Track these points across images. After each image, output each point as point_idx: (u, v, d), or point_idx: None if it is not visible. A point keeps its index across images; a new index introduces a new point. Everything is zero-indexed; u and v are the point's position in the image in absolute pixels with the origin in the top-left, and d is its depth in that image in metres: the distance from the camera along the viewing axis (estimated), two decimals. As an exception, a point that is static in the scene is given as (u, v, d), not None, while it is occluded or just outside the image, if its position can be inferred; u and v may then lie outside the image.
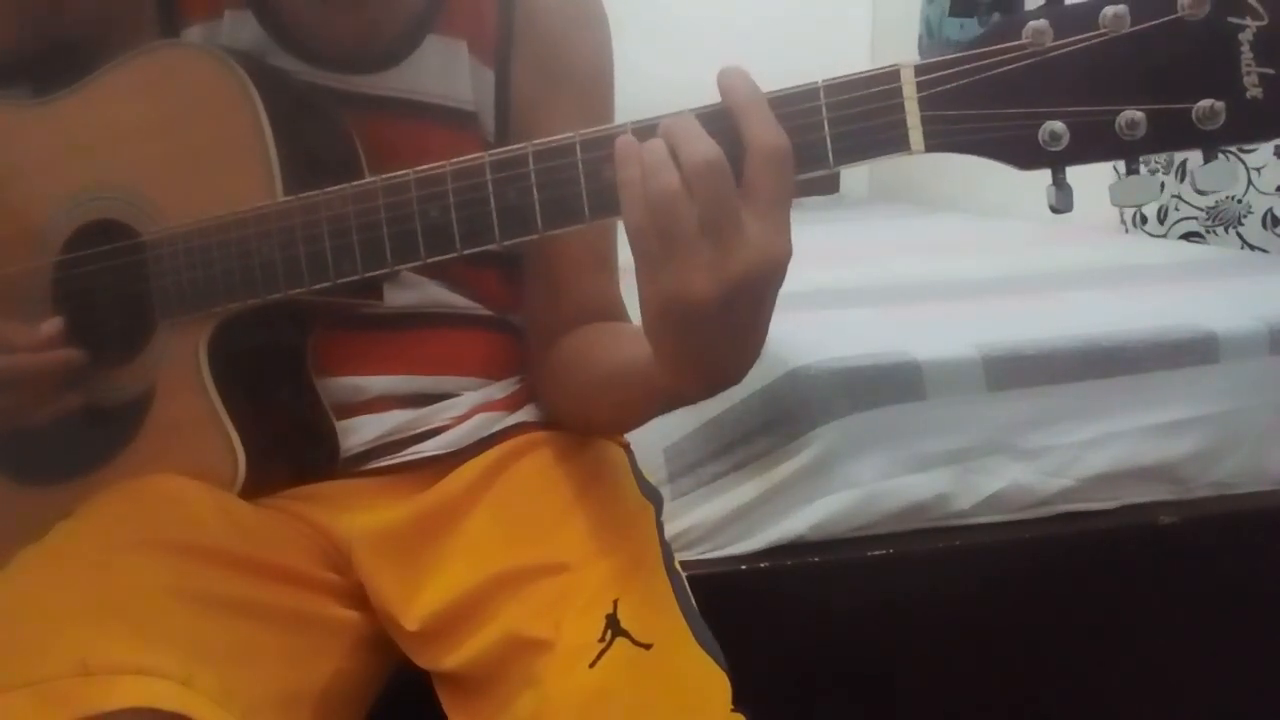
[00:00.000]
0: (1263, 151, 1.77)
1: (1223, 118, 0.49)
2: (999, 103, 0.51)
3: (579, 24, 0.80)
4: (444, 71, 0.76)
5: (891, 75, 0.53)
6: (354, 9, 0.74)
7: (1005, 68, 0.51)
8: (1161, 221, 2.00)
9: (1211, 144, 0.50)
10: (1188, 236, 1.94)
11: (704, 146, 0.51)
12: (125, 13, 0.75)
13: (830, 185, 3.08)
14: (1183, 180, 1.93)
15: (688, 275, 0.52)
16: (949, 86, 0.52)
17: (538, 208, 0.58)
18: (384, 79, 0.75)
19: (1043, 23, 0.50)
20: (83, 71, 0.74)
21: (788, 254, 0.53)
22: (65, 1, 0.75)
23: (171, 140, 0.71)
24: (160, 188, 0.71)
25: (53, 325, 0.71)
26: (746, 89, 0.53)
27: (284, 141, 0.67)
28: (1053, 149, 0.51)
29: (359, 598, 0.72)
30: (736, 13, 2.83)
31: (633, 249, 0.54)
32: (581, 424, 0.79)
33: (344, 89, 0.74)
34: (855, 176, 3.16)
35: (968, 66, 0.52)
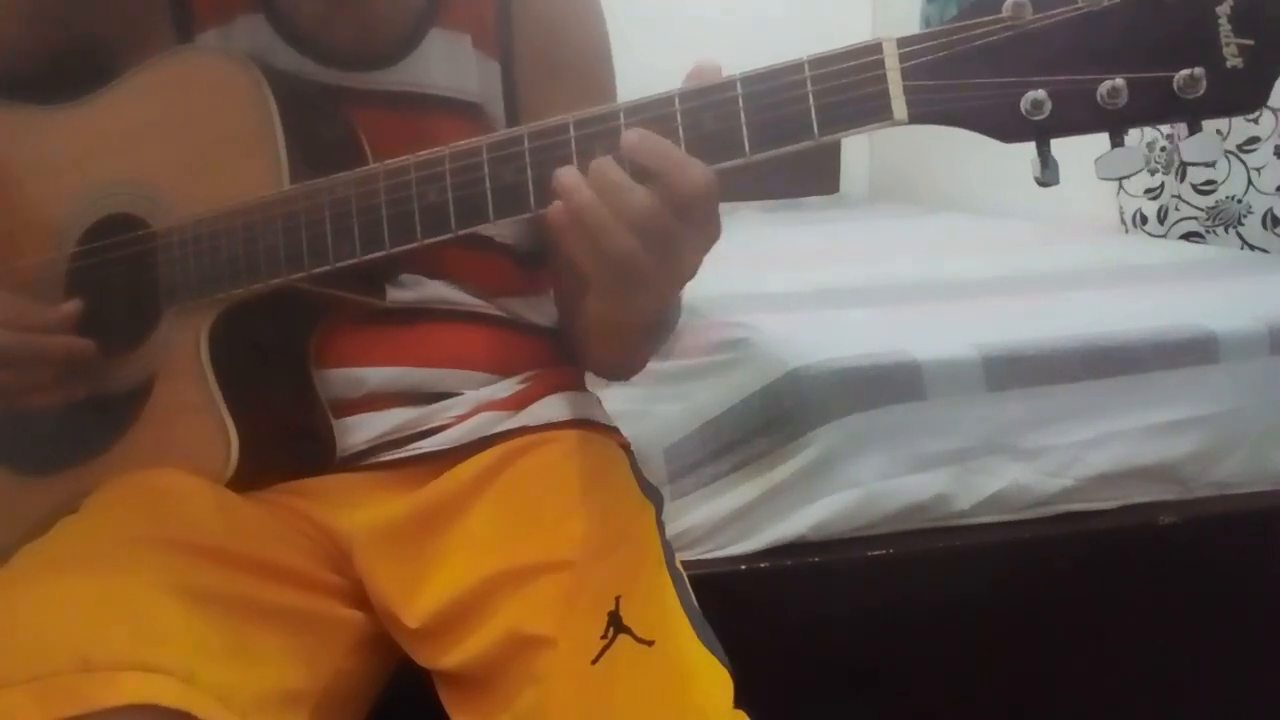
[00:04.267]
0: (1263, 151, 1.77)
1: (1203, 86, 0.50)
2: (981, 73, 0.53)
3: (575, 12, 0.82)
4: (450, 64, 0.77)
5: (874, 48, 0.54)
6: (359, 6, 0.76)
7: (986, 39, 0.52)
8: (1161, 221, 2.00)
9: (1194, 114, 0.51)
10: (1188, 236, 1.94)
11: (698, 171, 0.55)
12: (140, 19, 0.76)
13: (830, 185, 3.08)
14: (1182, 180, 1.94)
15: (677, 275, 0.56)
16: (931, 58, 0.53)
17: (531, 186, 0.60)
18: (392, 74, 0.77)
19: None
20: (100, 76, 0.76)
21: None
22: (82, 10, 0.77)
23: (188, 138, 0.73)
24: (175, 183, 0.73)
25: (70, 306, 0.72)
26: (649, 145, 0.55)
27: (294, 140, 0.69)
28: (1035, 118, 0.52)
29: (360, 597, 0.73)
30: (737, 12, 2.84)
31: (612, 276, 0.57)
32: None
33: (355, 86, 0.76)
34: (855, 176, 3.16)
35: (949, 39, 0.53)
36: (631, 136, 0.55)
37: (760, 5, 2.87)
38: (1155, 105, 0.51)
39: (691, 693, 0.63)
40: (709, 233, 0.58)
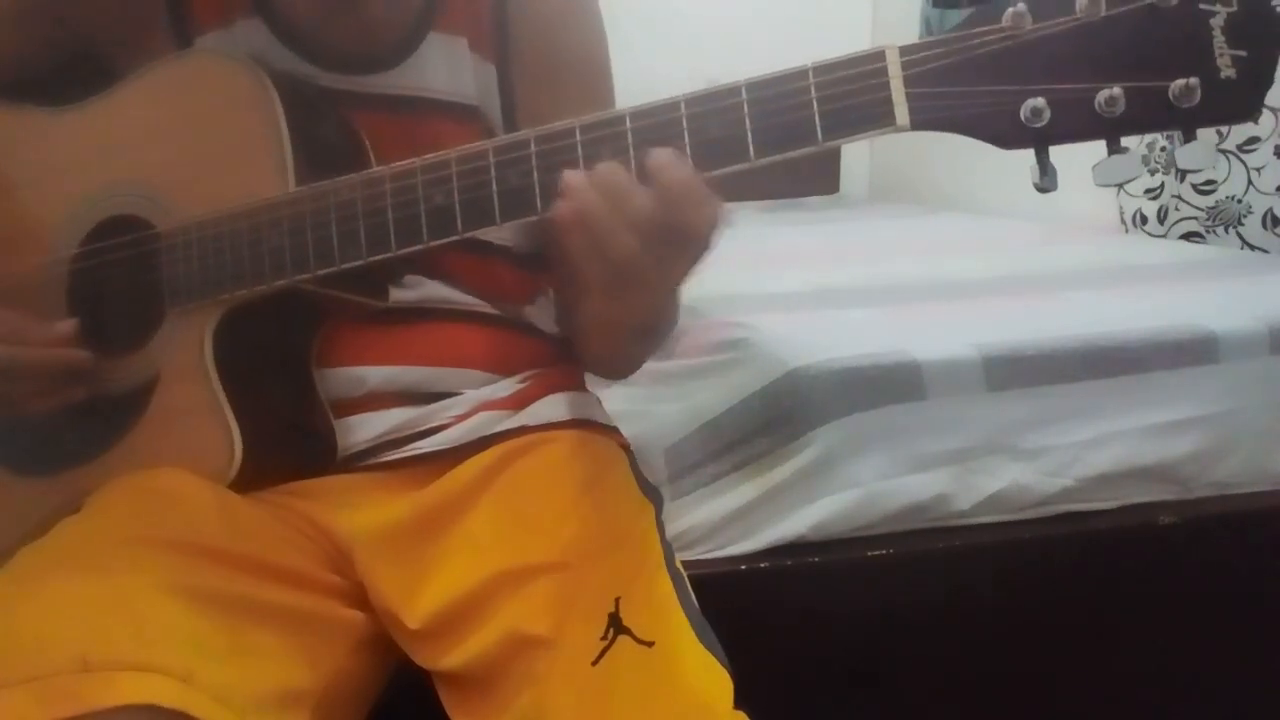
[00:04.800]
0: (1263, 151, 1.77)
1: (1198, 95, 0.51)
2: (982, 80, 0.54)
3: (572, 14, 0.82)
4: (448, 67, 0.78)
5: (877, 56, 0.55)
6: (356, 10, 0.76)
7: (986, 49, 0.54)
8: (1161, 221, 2.00)
9: (1189, 122, 0.52)
10: (1188, 236, 1.94)
11: (713, 208, 0.56)
12: (137, 23, 0.76)
13: (830, 185, 3.08)
14: (1182, 180, 1.93)
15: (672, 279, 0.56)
16: (933, 65, 0.54)
17: (537, 189, 0.60)
18: (391, 78, 0.77)
19: (1021, 7, 0.53)
20: (102, 79, 0.76)
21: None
22: (79, 13, 0.77)
23: (193, 140, 0.73)
24: (180, 185, 0.73)
25: (67, 325, 0.73)
26: (676, 173, 0.56)
27: (299, 143, 0.70)
28: (1035, 125, 0.53)
29: (360, 597, 0.73)
30: (737, 13, 2.84)
31: (611, 276, 0.58)
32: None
33: (355, 90, 0.77)
34: (855, 177, 3.16)
35: (951, 48, 0.54)
36: (663, 156, 0.56)
37: (760, 6, 2.87)
38: (1151, 114, 0.52)
39: (691, 694, 0.63)
40: (706, 248, 0.59)
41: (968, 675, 1.09)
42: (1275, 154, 1.76)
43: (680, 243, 0.57)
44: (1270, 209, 1.79)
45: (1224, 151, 1.82)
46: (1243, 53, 0.51)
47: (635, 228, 0.56)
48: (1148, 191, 2.03)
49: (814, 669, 1.04)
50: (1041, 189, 0.56)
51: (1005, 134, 0.54)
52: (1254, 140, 1.78)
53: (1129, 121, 0.52)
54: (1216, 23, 0.51)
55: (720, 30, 2.70)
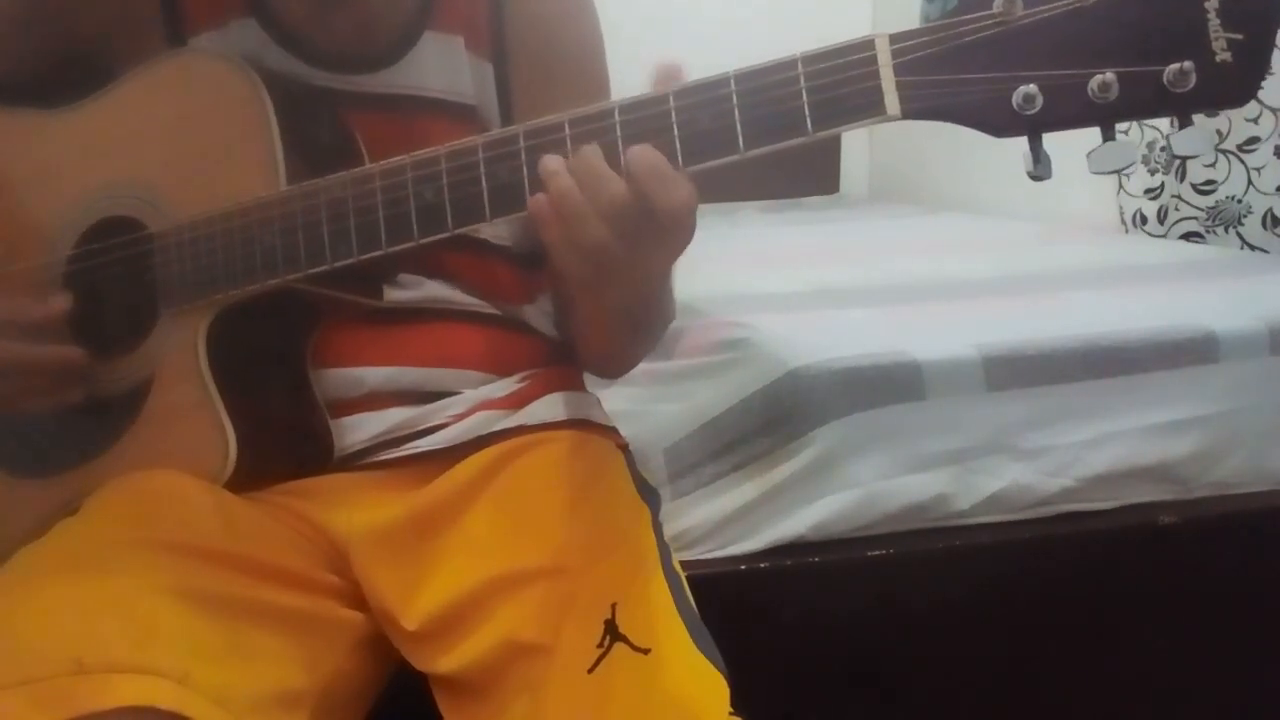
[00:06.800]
0: (1263, 151, 1.77)
1: (1193, 79, 0.50)
2: (973, 68, 0.53)
3: (567, 12, 0.82)
4: (444, 66, 0.77)
5: (867, 44, 0.54)
6: (349, 8, 0.76)
7: (978, 35, 0.53)
8: (1161, 221, 2.00)
9: (1184, 108, 0.52)
10: (1188, 236, 1.94)
11: (682, 189, 0.56)
12: (131, 23, 0.76)
13: (830, 185, 3.08)
14: (1182, 180, 1.93)
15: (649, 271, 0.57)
16: (923, 54, 0.54)
17: (527, 184, 0.60)
18: (387, 76, 0.77)
19: None
20: (96, 80, 0.76)
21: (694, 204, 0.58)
22: (76, 16, 0.77)
23: (185, 140, 0.73)
24: (173, 185, 0.73)
25: (57, 303, 0.73)
26: (643, 158, 0.56)
27: (290, 142, 0.70)
28: (1027, 112, 0.53)
29: (358, 598, 0.72)
30: (736, 9, 2.83)
31: (585, 266, 0.58)
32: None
33: (351, 90, 0.76)
34: (855, 176, 3.16)
35: (941, 35, 0.54)
36: (635, 148, 0.56)
37: (759, 4, 2.87)
38: (1146, 99, 0.51)
39: (688, 701, 0.62)
40: (682, 239, 0.59)
41: (968, 675, 1.09)
42: (1275, 154, 1.76)
43: (654, 228, 0.57)
44: (1270, 209, 1.78)
45: (1224, 151, 1.82)
46: (1238, 36, 0.50)
47: (607, 217, 0.56)
48: (1148, 191, 2.03)
49: (814, 669, 1.03)
50: (1035, 177, 0.55)
51: (998, 122, 0.53)
52: (1254, 140, 1.78)
53: (1123, 107, 0.51)
54: (1211, 5, 0.50)
55: (719, 26, 2.70)
